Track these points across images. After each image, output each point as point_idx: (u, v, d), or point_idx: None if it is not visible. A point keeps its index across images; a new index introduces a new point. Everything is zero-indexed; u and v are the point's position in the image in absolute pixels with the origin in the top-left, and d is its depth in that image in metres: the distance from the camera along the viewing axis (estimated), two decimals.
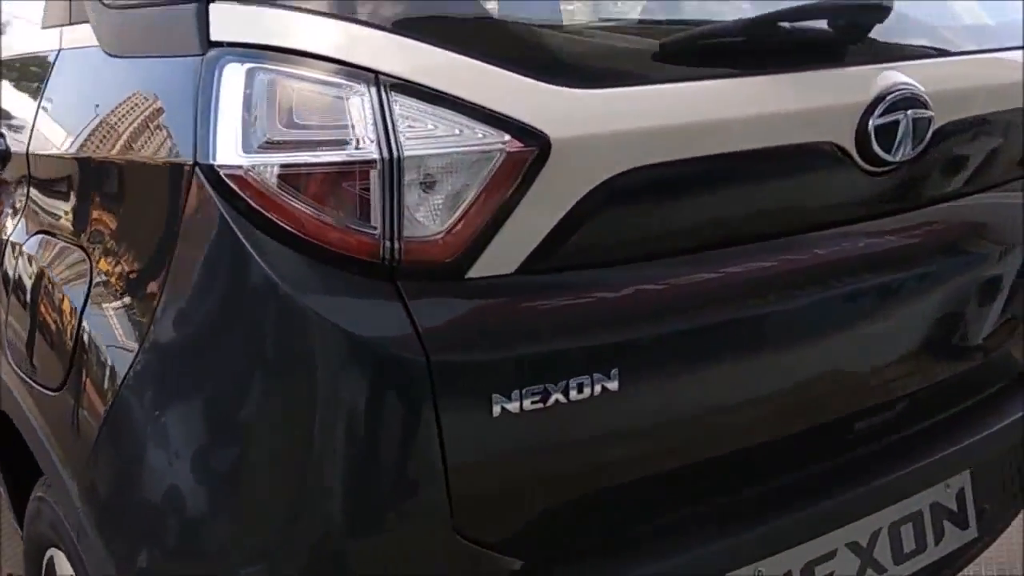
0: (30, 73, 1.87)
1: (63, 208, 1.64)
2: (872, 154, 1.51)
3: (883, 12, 1.47)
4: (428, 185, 1.20)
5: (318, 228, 1.18)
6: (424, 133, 1.19)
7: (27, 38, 1.90)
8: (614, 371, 1.31)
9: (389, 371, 1.22)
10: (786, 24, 1.45)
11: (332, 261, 1.19)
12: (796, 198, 1.54)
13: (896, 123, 1.51)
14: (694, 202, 1.44)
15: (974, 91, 1.69)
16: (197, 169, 1.21)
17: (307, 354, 1.21)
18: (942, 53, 1.69)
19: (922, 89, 1.55)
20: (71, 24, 1.67)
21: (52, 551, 1.73)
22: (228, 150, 1.18)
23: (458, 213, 1.22)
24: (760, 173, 1.47)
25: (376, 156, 1.17)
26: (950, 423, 1.80)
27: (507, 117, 1.22)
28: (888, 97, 1.50)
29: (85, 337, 1.43)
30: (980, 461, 1.84)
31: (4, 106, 1.96)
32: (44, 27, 1.81)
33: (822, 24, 1.49)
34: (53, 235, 1.64)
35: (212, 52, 1.23)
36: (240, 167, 1.18)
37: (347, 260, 1.19)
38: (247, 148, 1.18)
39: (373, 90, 1.17)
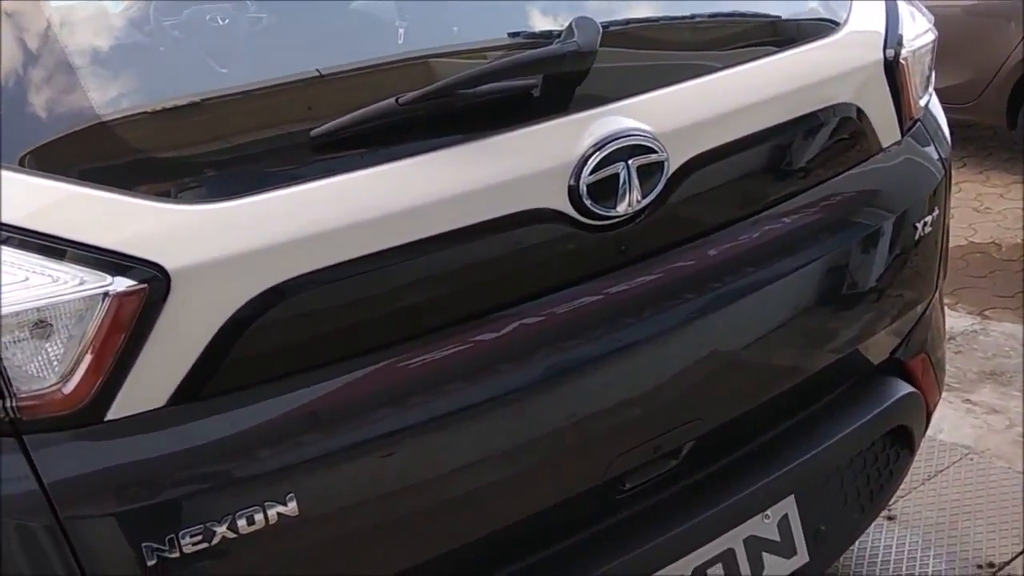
0: None
1: None
2: (592, 211, 1.35)
3: (585, 58, 1.29)
4: (38, 337, 1.10)
5: None
6: (19, 285, 1.07)
7: None
8: (289, 495, 1.20)
9: (10, 531, 1.12)
10: (467, 90, 1.27)
11: None
12: (522, 267, 1.38)
13: (615, 176, 1.35)
14: (381, 297, 1.28)
15: (720, 118, 1.49)
16: None
17: None
18: (679, 79, 1.48)
19: (647, 131, 1.37)
20: None
21: None
22: None
23: (74, 363, 1.11)
24: (464, 251, 1.31)
25: None
26: (760, 452, 1.67)
27: (112, 253, 1.10)
28: (596, 152, 1.33)
29: None
30: (807, 482, 1.72)
31: None
32: None
33: (524, 80, 1.32)
34: None
35: None
36: None
37: None
38: None
39: None
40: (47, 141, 1.15)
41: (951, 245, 4.50)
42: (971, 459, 2.85)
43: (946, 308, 3.68)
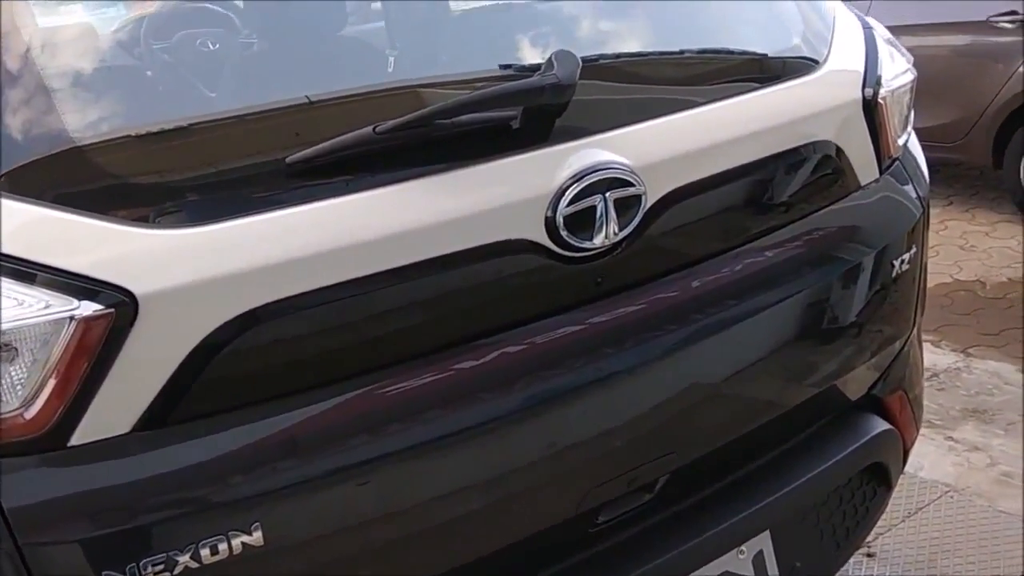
0: None
1: None
2: (569, 243, 1.36)
3: (564, 91, 1.30)
4: (1, 360, 1.09)
5: None
6: None
7: None
8: (255, 524, 1.19)
9: None
10: (445, 120, 1.28)
11: None
12: (498, 297, 1.38)
13: (593, 208, 1.36)
14: (355, 325, 1.28)
15: (698, 153, 1.51)
16: None
17: None
18: (658, 113, 1.49)
19: (626, 164, 1.38)
20: None
21: None
22: None
23: (37, 387, 1.10)
24: (439, 280, 1.31)
25: None
26: (736, 487, 1.66)
27: (80, 277, 1.09)
28: (574, 184, 1.34)
29: None
30: (783, 518, 1.72)
31: None
32: None
33: (503, 111, 1.33)
34: None
35: None
36: None
37: None
38: None
39: None
40: (20, 165, 1.14)
41: (935, 283, 4.52)
42: (951, 496, 2.84)
43: (930, 345, 3.70)
